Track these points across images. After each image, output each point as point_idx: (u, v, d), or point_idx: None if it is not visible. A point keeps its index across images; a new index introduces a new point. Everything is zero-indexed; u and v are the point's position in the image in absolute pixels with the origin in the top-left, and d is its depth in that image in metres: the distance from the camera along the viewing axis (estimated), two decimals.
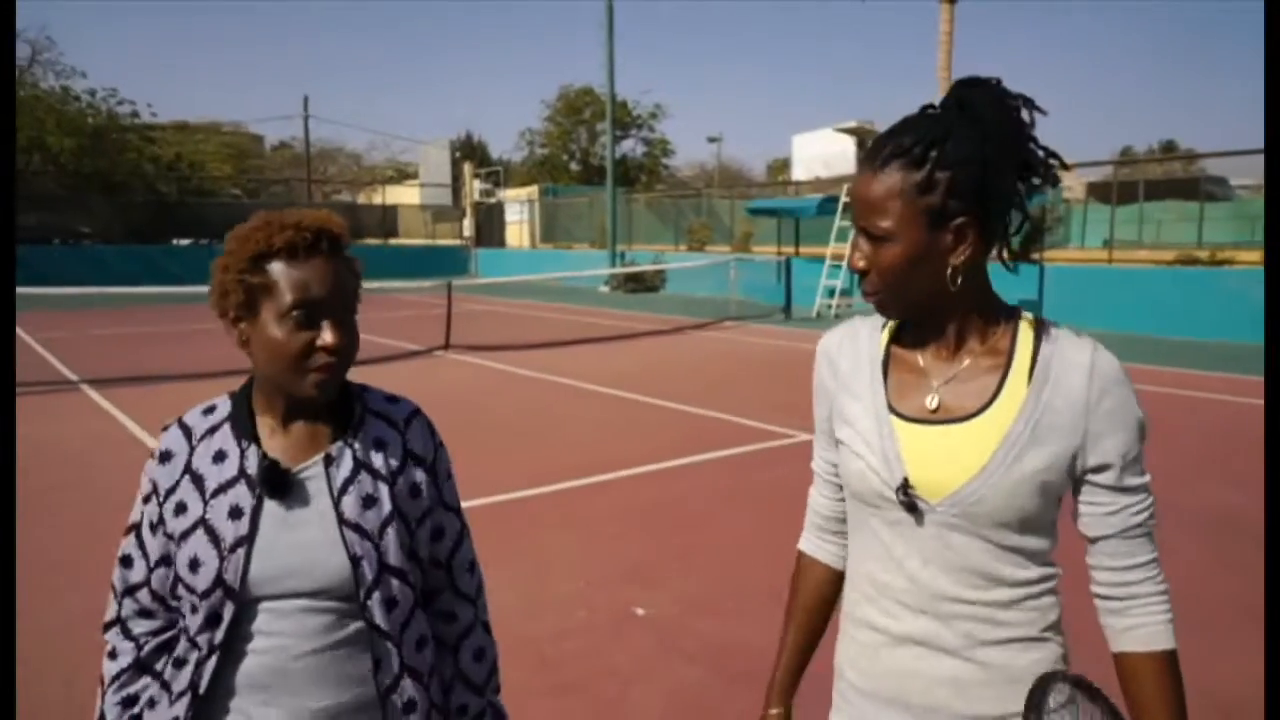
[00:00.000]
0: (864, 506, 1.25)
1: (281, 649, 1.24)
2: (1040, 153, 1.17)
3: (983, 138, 1.11)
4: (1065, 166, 1.21)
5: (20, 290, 11.89)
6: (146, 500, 1.30)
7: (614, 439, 7.31)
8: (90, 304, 19.28)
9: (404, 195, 40.85)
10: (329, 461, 1.28)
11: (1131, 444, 1.16)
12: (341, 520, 1.25)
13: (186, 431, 1.31)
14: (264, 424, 1.29)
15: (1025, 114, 1.16)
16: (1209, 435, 7.24)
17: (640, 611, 3.91)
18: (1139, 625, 1.17)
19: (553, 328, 15.47)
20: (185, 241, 29.11)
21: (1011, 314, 1.24)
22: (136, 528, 1.31)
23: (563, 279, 24.45)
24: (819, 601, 1.40)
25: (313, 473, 1.27)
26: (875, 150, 1.16)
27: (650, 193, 36.02)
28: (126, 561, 1.32)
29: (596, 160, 42.65)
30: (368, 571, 1.25)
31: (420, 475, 1.35)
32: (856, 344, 1.31)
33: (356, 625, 1.27)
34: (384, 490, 1.29)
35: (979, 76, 1.16)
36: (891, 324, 1.29)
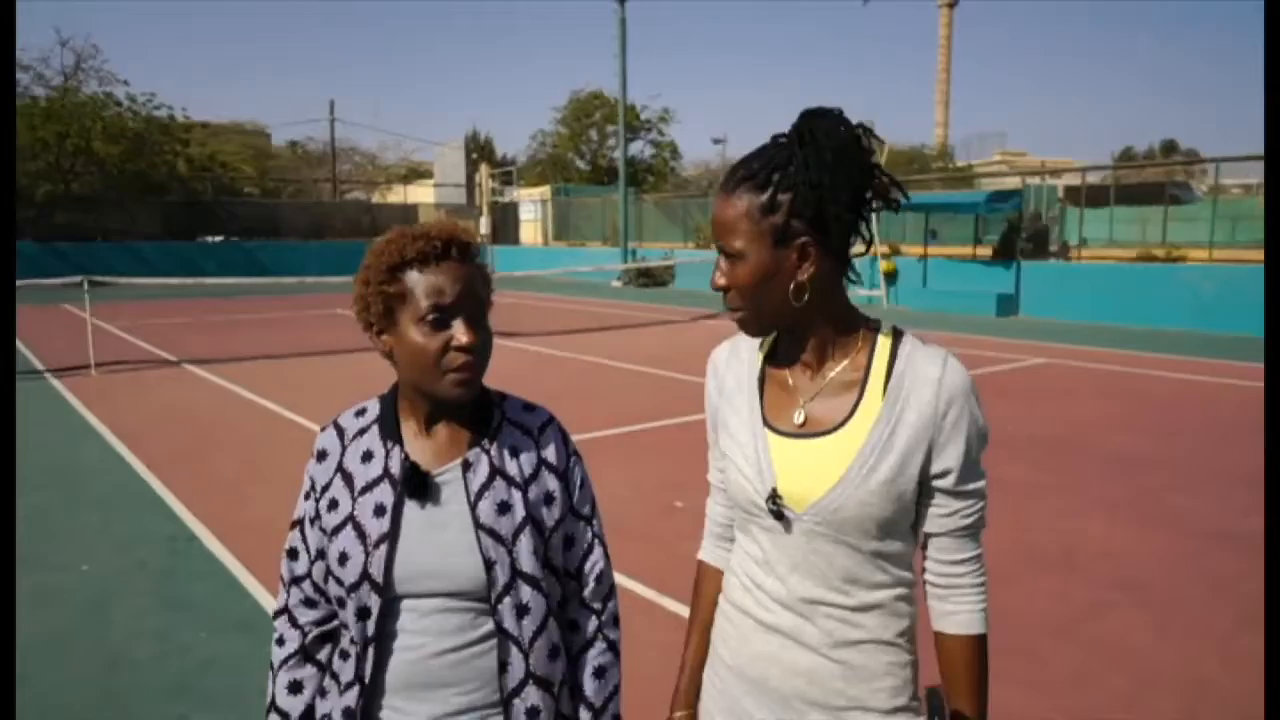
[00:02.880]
0: (744, 513, 1.33)
1: (423, 646, 1.30)
2: (882, 179, 1.23)
3: (821, 164, 1.17)
4: (905, 195, 1.28)
5: (105, 278, 13.39)
6: (306, 497, 1.38)
7: (644, 400, 8.92)
8: (146, 296, 20.93)
9: (417, 194, 42.39)
10: (466, 466, 1.33)
11: (971, 451, 1.23)
12: (477, 524, 1.30)
13: (340, 432, 1.39)
14: (408, 428, 1.36)
15: (865, 141, 1.21)
16: (1143, 401, 8.86)
17: (679, 504, 5.53)
18: (956, 611, 1.27)
19: (576, 318, 17.13)
20: (217, 239, 30.83)
21: (871, 327, 1.30)
22: (300, 523, 1.39)
23: (576, 274, 26.03)
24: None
25: (450, 477, 1.32)
26: (728, 176, 1.24)
27: (659, 193, 37.57)
28: (293, 554, 1.40)
29: (605, 161, 44.22)
30: (500, 576, 1.30)
31: (554, 483, 1.39)
32: (739, 360, 1.39)
33: (490, 628, 1.32)
34: (518, 496, 1.34)
35: (823, 108, 1.22)
36: (769, 341, 1.37)
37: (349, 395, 2.14)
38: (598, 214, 32.85)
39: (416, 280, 1.26)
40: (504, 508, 1.32)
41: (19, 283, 12.21)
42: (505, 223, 36.49)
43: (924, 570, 1.31)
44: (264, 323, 16.43)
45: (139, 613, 4.03)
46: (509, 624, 1.31)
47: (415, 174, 49.95)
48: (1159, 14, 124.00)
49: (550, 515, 1.38)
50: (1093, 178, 25.68)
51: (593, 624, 1.46)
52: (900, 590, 1.29)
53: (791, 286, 1.22)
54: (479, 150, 45.94)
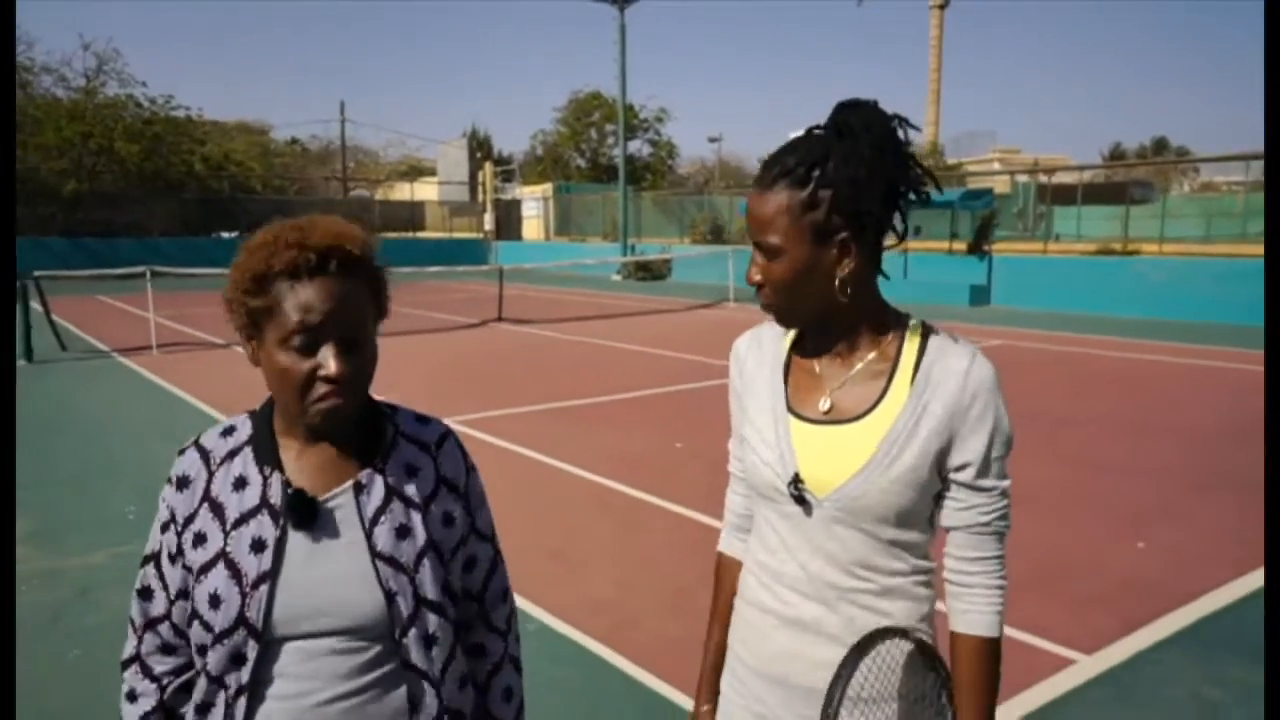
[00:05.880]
0: (762, 499, 1.35)
1: (310, 692, 1.17)
2: (916, 169, 1.24)
3: (858, 159, 1.18)
4: (938, 187, 1.28)
5: (159, 270, 14.57)
6: (164, 529, 1.23)
7: (645, 373, 10.25)
8: (172, 288, 22.21)
9: (421, 191, 43.63)
10: (359, 489, 1.21)
11: (992, 448, 1.24)
12: (374, 553, 1.19)
13: (204, 455, 1.23)
14: (287, 448, 1.22)
15: (902, 132, 1.23)
16: (1082, 375, 10.22)
17: (679, 445, 6.85)
18: (970, 611, 1.27)
19: (579, 307, 18.51)
20: (232, 234, 32.15)
21: (901, 321, 1.32)
22: (155, 557, 1.24)
23: (578, 267, 27.34)
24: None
25: (341, 501, 1.20)
26: (765, 170, 1.24)
27: (657, 190, 38.90)
28: (145, 594, 1.25)
29: (605, 160, 45.51)
30: (403, 608, 1.20)
31: (453, 503, 1.29)
32: (761, 348, 1.41)
33: (391, 665, 1.21)
34: (417, 519, 1.23)
35: (858, 99, 1.22)
36: (794, 331, 1.38)
37: (395, 369, 3.18)
38: (598, 211, 34.19)
39: (284, 294, 1.13)
40: (403, 532, 1.22)
41: (77, 273, 13.47)
42: (508, 219, 37.85)
43: (944, 570, 1.31)
44: None
45: None
46: (416, 658, 1.22)
47: (417, 171, 51.09)
48: (1154, 11, 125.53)
49: (451, 537, 1.28)
50: (1067, 178, 27.08)
51: (500, 647, 1.40)
52: (919, 577, 1.31)
53: (836, 283, 1.24)
54: (479, 147, 47.13)
